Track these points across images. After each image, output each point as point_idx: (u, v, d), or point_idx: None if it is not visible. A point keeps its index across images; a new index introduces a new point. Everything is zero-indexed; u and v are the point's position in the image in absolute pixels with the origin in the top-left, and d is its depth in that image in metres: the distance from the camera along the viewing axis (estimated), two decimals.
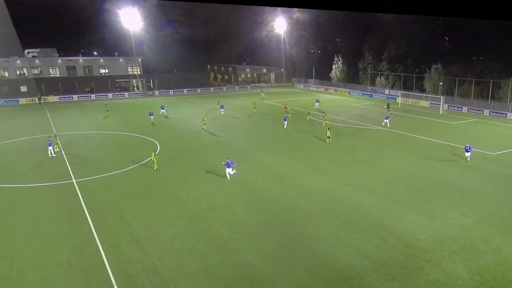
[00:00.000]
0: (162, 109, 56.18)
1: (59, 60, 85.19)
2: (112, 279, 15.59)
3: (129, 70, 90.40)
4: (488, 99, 59.34)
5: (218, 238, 18.99)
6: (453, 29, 71.05)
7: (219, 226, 20.30)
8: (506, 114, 53.93)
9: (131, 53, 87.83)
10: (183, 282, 15.39)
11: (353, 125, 47.35)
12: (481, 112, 56.80)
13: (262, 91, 77.59)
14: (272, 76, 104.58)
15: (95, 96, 78.32)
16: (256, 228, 20.16)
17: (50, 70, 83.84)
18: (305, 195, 24.57)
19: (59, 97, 75.36)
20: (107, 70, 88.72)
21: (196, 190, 25.64)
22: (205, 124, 44.49)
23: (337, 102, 70.96)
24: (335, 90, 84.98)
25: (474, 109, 58.00)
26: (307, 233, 19.49)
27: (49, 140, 34.84)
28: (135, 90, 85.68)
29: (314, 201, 23.49)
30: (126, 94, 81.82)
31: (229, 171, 27.22)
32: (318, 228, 20.07)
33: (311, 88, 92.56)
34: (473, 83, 62.22)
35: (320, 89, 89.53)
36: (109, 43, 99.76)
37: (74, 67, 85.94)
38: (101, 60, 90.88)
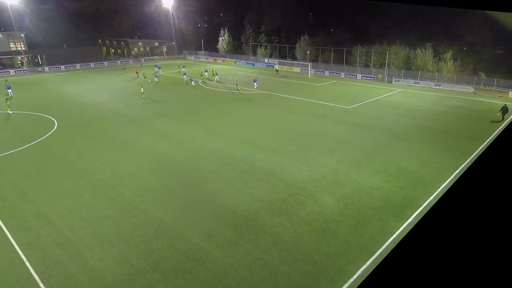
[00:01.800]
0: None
1: None
2: (23, 256, 13.91)
3: (11, 46, 76.43)
4: (344, 63, 65.27)
5: (128, 203, 18.12)
6: (315, 6, 75.23)
7: (127, 192, 19.32)
8: (356, 75, 60.29)
9: (11, 28, 74.03)
10: (98, 246, 14.50)
11: (242, 90, 48.18)
12: (339, 74, 62.44)
13: (183, 66, 70.49)
14: (164, 49, 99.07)
15: None
16: (164, 189, 19.72)
17: None
18: (204, 155, 24.61)
19: None
20: None
21: (100, 162, 23.67)
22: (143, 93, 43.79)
23: (226, 71, 70.92)
24: (223, 61, 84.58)
25: (333, 72, 63.40)
26: (209, 188, 19.76)
27: None
28: (22, 66, 73.25)
29: (213, 160, 23.73)
30: (11, 71, 69.60)
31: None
32: (218, 182, 20.46)
33: (201, 59, 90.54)
34: (332, 51, 67.59)
35: (209, 60, 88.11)
36: None
37: None
38: None
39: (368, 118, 34.06)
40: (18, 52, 75.02)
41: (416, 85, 52.91)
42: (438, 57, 54.31)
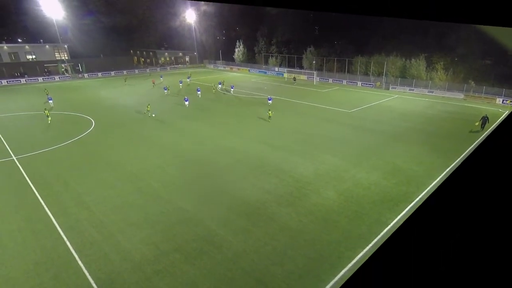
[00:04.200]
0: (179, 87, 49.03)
1: None
2: (64, 237, 14.25)
3: (56, 55, 78.16)
4: (345, 72, 64.58)
5: (154, 193, 18.36)
6: (321, 21, 74.52)
7: (154, 183, 19.57)
8: (357, 83, 59.58)
9: (56, 40, 75.84)
10: (128, 230, 14.74)
11: (253, 95, 48.16)
12: (341, 82, 61.83)
13: (188, 77, 66.96)
14: (187, 58, 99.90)
15: (25, 80, 66.77)
16: (185, 181, 19.89)
17: None
18: (221, 152, 24.72)
19: None
20: (34, 56, 75.39)
21: (131, 156, 24.05)
22: (149, 110, 35.99)
23: (240, 78, 71.04)
24: (238, 69, 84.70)
25: (336, 80, 62.83)
26: (225, 180, 19.85)
27: None
28: (65, 73, 74.86)
29: (228, 156, 23.81)
30: (56, 77, 71.18)
31: (187, 103, 38.35)
32: (232, 175, 20.53)
33: (219, 68, 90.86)
34: (335, 61, 66.96)
35: (226, 68, 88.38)
36: (32, 30, 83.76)
37: None
38: (27, 46, 76.64)
39: (367, 121, 33.62)
40: (62, 61, 76.69)
41: (411, 92, 51.98)
42: (431, 67, 53.23)
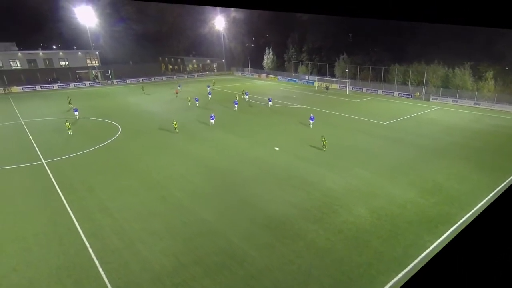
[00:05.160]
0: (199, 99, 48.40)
1: (19, 54, 75.61)
2: (86, 243, 14.81)
3: (87, 62, 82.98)
4: (381, 81, 63.19)
5: (177, 202, 18.70)
6: (355, 27, 73.80)
7: (177, 192, 19.95)
8: (393, 93, 58.04)
9: (88, 47, 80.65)
10: (149, 239, 15.07)
11: (282, 104, 48.21)
12: (376, 91, 60.52)
13: (179, 85, 64.96)
14: (215, 65, 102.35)
15: (58, 86, 71.28)
16: (208, 191, 20.10)
17: (11, 63, 74.17)
18: (246, 162, 24.82)
19: (22, 87, 67.46)
20: (67, 62, 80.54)
21: (155, 164, 24.76)
22: (176, 128, 32.99)
23: (269, 86, 71.56)
24: (267, 77, 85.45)
25: (371, 90, 61.60)
26: (249, 192, 19.84)
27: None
28: (95, 80, 79.16)
29: (253, 167, 23.84)
30: (87, 83, 75.40)
31: (212, 121, 34.84)
32: (257, 187, 20.49)
33: (247, 76, 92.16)
34: (370, 70, 65.79)
35: (254, 76, 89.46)
36: (67, 37, 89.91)
37: (35, 60, 76.77)
38: (61, 53, 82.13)
39: (404, 133, 32.51)
40: (92, 67, 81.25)
41: (455, 103, 49.79)
42: (477, 76, 50.82)
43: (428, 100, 52.49)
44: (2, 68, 72.36)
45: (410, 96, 55.54)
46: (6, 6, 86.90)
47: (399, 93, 57.25)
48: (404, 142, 29.57)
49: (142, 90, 63.28)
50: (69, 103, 48.81)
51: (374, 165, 23.83)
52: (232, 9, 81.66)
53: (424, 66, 56.10)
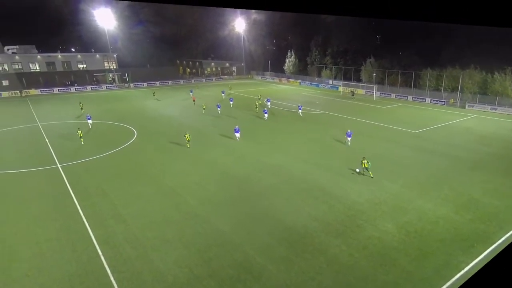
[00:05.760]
0: (231, 100, 51.38)
1: (39, 56, 79.35)
2: (99, 250, 15.16)
3: (105, 65, 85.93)
4: (411, 87, 61.92)
5: (191, 210, 18.87)
6: (383, 29, 72.99)
7: (192, 200, 20.14)
8: (425, 99, 56.70)
9: (106, 49, 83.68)
10: (162, 248, 15.25)
11: (304, 110, 48.02)
12: (406, 97, 59.32)
13: (191, 90, 63.44)
14: (234, 69, 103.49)
15: (75, 88, 74.08)
16: (224, 200, 20.19)
17: (30, 66, 77.86)
18: (264, 170, 24.80)
19: (40, 90, 70.55)
20: (85, 65, 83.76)
21: (170, 170, 25.16)
22: (188, 141, 30.79)
23: (290, 91, 71.55)
24: (288, 81, 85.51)
25: (400, 95, 60.43)
26: (267, 202, 19.77)
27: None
28: (112, 83, 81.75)
29: (272, 175, 23.78)
30: (104, 86, 77.95)
31: (237, 136, 32.20)
32: (276, 197, 20.40)
33: (267, 80, 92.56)
34: (399, 74, 64.64)
35: (275, 80, 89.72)
36: (85, 40, 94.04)
37: (53, 63, 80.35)
38: (79, 56, 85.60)
39: (436, 143, 31.61)
40: (109, 70, 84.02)
41: (493, 111, 48.03)
42: None
43: (464, 107, 50.91)
44: (22, 70, 75.98)
45: (443, 103, 54.10)
46: (29, 9, 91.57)
47: (431, 100, 55.88)
48: (436, 153, 28.74)
49: (154, 95, 61.97)
50: (81, 109, 48.42)
51: (403, 177, 23.25)
52: (253, 10, 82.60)
53: (459, 71, 54.61)
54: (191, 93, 60.55)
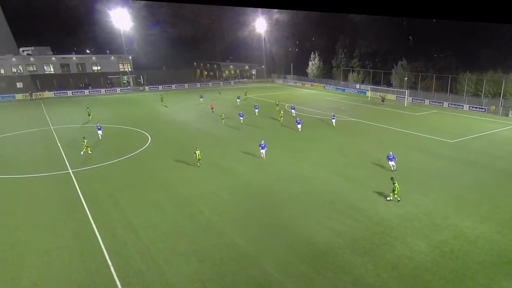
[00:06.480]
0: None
1: (53, 58, 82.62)
2: (109, 261, 15.42)
3: (120, 67, 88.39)
4: (447, 92, 60.43)
5: (205, 221, 18.95)
6: (416, 29, 71.79)
7: (206, 210, 20.25)
8: (462, 106, 55.15)
9: (122, 51, 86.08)
10: (174, 261, 15.35)
11: (328, 116, 47.64)
12: (441, 104, 57.89)
13: (219, 92, 65.52)
14: (254, 72, 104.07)
15: (89, 91, 76.46)
16: (241, 211, 20.19)
17: (45, 67, 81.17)
18: (285, 180, 24.68)
19: (54, 93, 73.23)
20: (99, 67, 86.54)
21: (184, 178, 25.45)
22: (199, 160, 27.73)
23: (314, 96, 71.25)
24: (311, 85, 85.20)
25: (435, 101, 59.05)
26: (287, 214, 19.63)
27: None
28: (127, 85, 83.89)
29: (293, 186, 23.63)
30: (118, 89, 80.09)
31: (263, 152, 28.90)
32: (297, 209, 20.24)
33: (289, 83, 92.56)
34: (434, 78, 63.24)
35: (297, 83, 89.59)
36: (101, 41, 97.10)
37: (68, 65, 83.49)
38: (94, 57, 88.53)
39: (475, 154, 30.60)
40: (124, 73, 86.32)
41: None
42: None
43: (507, 115, 49.15)
44: (36, 72, 79.20)
45: (483, 110, 52.45)
46: (44, 8, 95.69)
47: (469, 106, 54.29)
48: (475, 164, 27.80)
49: (162, 100, 59.49)
50: (89, 115, 47.60)
51: (437, 191, 22.60)
52: (275, 10, 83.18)
53: (501, 75, 52.93)
54: (201, 99, 59.80)
